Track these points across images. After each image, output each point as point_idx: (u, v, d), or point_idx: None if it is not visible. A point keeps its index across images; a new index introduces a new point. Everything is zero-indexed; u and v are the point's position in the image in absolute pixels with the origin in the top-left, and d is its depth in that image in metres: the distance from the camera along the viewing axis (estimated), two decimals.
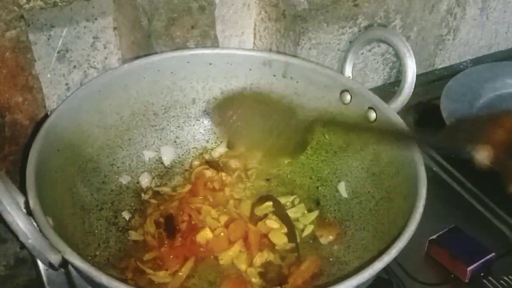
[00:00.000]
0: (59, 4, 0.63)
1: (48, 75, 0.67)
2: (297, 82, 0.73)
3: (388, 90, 0.70)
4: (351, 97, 0.70)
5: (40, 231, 0.49)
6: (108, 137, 0.69)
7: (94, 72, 0.70)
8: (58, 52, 0.66)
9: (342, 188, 0.71)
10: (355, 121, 0.70)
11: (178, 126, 0.75)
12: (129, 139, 0.71)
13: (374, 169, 0.68)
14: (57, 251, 0.48)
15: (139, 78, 0.70)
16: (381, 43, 0.78)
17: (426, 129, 0.85)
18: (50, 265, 0.48)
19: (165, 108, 0.74)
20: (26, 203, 0.50)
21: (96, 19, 0.66)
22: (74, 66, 0.68)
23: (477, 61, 1.02)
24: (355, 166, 0.70)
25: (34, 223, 0.49)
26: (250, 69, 0.74)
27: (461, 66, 1.01)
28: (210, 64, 0.73)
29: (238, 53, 0.74)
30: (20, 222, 0.46)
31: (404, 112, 0.86)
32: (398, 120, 0.65)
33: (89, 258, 0.59)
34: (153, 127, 0.73)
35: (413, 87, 0.67)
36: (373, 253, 0.59)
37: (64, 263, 0.48)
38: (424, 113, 0.89)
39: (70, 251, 0.48)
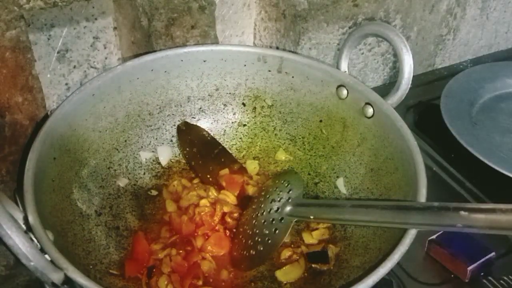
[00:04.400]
0: (59, 4, 0.63)
1: (48, 75, 0.67)
2: (293, 77, 0.74)
3: (388, 90, 0.70)
4: (347, 92, 0.70)
5: (41, 247, 0.49)
6: (103, 140, 0.69)
7: (94, 72, 0.70)
8: (58, 52, 0.66)
9: (340, 184, 0.71)
10: (352, 116, 0.70)
11: (174, 125, 0.75)
12: (125, 141, 0.71)
13: (372, 165, 0.68)
14: (59, 269, 0.48)
15: (132, 79, 0.70)
16: (377, 37, 0.78)
17: (426, 129, 0.85)
18: (53, 285, 0.48)
19: (160, 108, 0.74)
20: (25, 219, 0.50)
21: (96, 19, 0.66)
22: (74, 66, 0.68)
23: (477, 61, 1.02)
24: (353, 161, 0.70)
25: (35, 240, 0.49)
26: (245, 65, 0.74)
27: (461, 66, 1.01)
28: (204, 61, 0.73)
29: (232, 49, 0.74)
30: (21, 245, 0.46)
31: (404, 112, 0.86)
32: (396, 116, 0.65)
33: (90, 267, 0.58)
34: (148, 127, 0.73)
35: (411, 82, 0.67)
36: (374, 252, 0.59)
37: (67, 280, 0.48)
38: (424, 113, 0.89)
39: (72, 269, 0.47)
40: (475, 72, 0.94)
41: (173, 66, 0.72)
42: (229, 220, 0.66)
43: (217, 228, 0.65)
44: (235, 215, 0.67)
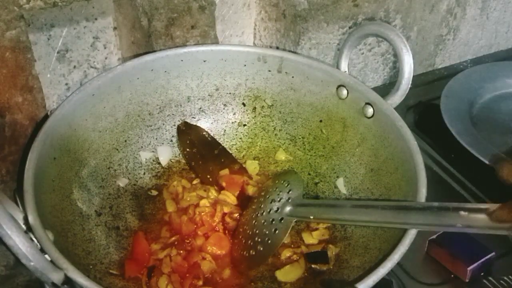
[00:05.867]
0: (59, 4, 0.63)
1: (48, 75, 0.67)
2: (293, 77, 0.74)
3: (388, 90, 0.70)
4: (347, 92, 0.70)
5: (41, 247, 0.49)
6: (103, 140, 0.69)
7: (94, 72, 0.70)
8: (58, 52, 0.66)
9: (340, 184, 0.71)
10: (352, 116, 0.70)
11: (174, 125, 0.75)
12: (125, 141, 0.71)
13: (372, 165, 0.68)
14: (59, 269, 0.48)
15: (132, 79, 0.70)
16: (377, 37, 0.78)
17: (426, 129, 0.85)
18: (53, 285, 0.48)
19: (160, 108, 0.74)
20: (25, 219, 0.50)
21: (96, 19, 0.66)
22: (74, 66, 0.68)
23: (477, 61, 1.02)
24: (353, 161, 0.70)
25: (35, 240, 0.49)
26: (245, 65, 0.74)
27: (461, 66, 1.01)
28: (204, 61, 0.73)
29: (232, 49, 0.74)
30: (21, 246, 0.46)
31: (404, 112, 0.86)
32: (396, 116, 0.65)
33: (90, 267, 0.58)
34: (148, 127, 0.73)
35: (411, 82, 0.67)
36: (374, 252, 0.59)
37: (67, 280, 0.48)
38: (424, 113, 0.89)
39: (72, 269, 0.48)
40: (475, 72, 0.94)
41: (173, 66, 0.72)
42: (229, 220, 0.66)
43: (217, 228, 0.65)
44: (235, 215, 0.67)
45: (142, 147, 0.73)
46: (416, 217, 0.52)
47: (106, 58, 0.70)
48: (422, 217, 0.52)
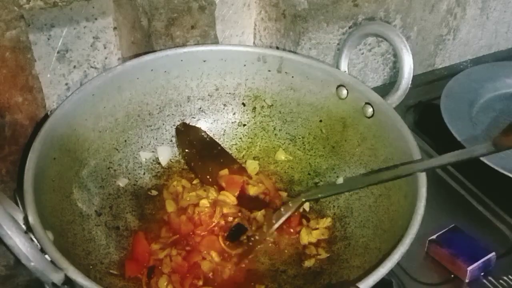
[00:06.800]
0: (59, 4, 0.63)
1: (48, 75, 0.67)
2: (293, 77, 0.74)
3: (388, 90, 0.70)
4: (347, 92, 0.70)
5: (41, 247, 0.49)
6: (103, 140, 0.69)
7: (94, 72, 0.70)
8: (58, 52, 0.66)
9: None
10: (352, 116, 0.70)
11: (174, 125, 0.75)
12: (125, 141, 0.71)
13: (372, 165, 0.68)
14: (59, 269, 0.48)
15: (132, 79, 0.70)
16: (377, 37, 0.78)
17: (426, 129, 0.85)
18: (54, 285, 0.48)
19: (160, 108, 0.74)
20: (25, 219, 0.50)
21: (96, 19, 0.66)
22: (74, 66, 0.68)
23: (477, 61, 1.02)
24: (353, 161, 0.70)
25: (35, 240, 0.49)
26: (245, 65, 0.74)
27: (461, 66, 1.01)
28: (204, 61, 0.73)
29: (232, 49, 0.74)
30: (21, 246, 0.46)
31: (404, 112, 0.86)
32: (396, 116, 0.65)
33: (91, 267, 0.58)
34: (148, 127, 0.73)
35: (410, 82, 0.67)
36: (373, 252, 0.59)
37: (67, 280, 0.48)
38: (424, 113, 0.89)
39: (72, 269, 0.48)
40: (475, 72, 0.94)
41: (173, 66, 0.72)
42: (223, 222, 0.66)
43: (214, 230, 0.65)
44: (230, 218, 0.66)
45: (142, 147, 0.73)
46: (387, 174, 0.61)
47: (106, 58, 0.70)
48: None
